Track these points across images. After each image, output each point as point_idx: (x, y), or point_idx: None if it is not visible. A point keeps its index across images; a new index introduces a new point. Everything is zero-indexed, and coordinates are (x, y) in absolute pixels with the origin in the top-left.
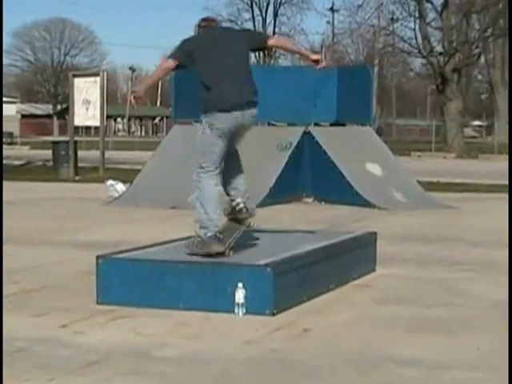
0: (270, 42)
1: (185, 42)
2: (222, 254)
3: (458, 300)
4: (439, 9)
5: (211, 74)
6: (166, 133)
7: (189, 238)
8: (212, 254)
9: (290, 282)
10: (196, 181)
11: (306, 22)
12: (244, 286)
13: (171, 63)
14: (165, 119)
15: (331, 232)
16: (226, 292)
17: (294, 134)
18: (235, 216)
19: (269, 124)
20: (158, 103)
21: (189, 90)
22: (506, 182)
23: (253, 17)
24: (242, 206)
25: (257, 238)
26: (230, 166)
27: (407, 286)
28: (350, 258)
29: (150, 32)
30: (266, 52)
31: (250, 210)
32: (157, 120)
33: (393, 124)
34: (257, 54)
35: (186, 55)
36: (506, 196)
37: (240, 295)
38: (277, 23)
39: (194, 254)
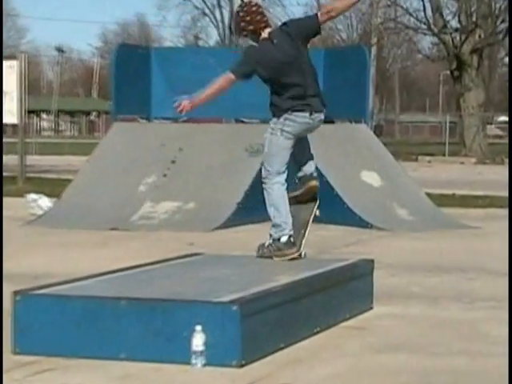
0: (322, 19)
1: (246, 56)
2: (296, 258)
3: (480, 347)
4: None
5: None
6: (105, 132)
7: (135, 267)
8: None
9: (263, 325)
10: (265, 185)
11: None
12: (203, 330)
13: (233, 77)
14: (103, 115)
15: (316, 259)
16: (180, 337)
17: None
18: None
19: (237, 121)
20: (95, 94)
21: (133, 79)
22: None
23: None
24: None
25: (221, 268)
26: (299, 152)
27: (413, 329)
28: (341, 293)
29: (82, 3)
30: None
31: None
32: (92, 116)
33: (396, 121)
34: (222, 30)
35: (249, 69)
36: None
37: (198, 341)
38: None
39: (266, 257)
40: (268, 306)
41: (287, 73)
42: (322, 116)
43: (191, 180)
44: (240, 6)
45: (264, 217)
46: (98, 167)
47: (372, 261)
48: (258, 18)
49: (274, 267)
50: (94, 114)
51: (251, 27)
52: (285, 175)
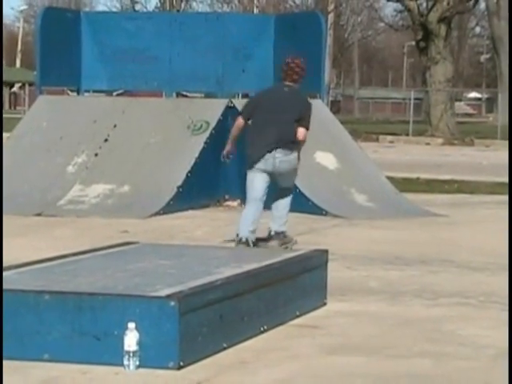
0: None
1: (250, 100)
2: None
3: (445, 348)
4: None
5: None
6: (29, 106)
7: (61, 257)
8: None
9: (204, 323)
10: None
11: None
12: (137, 328)
13: (241, 121)
14: (27, 86)
15: (263, 250)
16: (111, 336)
17: (213, 110)
18: None
19: (178, 95)
20: (18, 64)
21: (60, 47)
22: None
23: None
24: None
25: (157, 259)
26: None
27: (372, 328)
28: (290, 288)
29: None
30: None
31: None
32: (15, 88)
33: (354, 96)
34: None
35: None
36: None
37: (131, 341)
38: None
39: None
40: (209, 302)
41: None
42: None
43: (126, 160)
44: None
45: (206, 201)
46: (21, 145)
47: (326, 251)
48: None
49: (216, 258)
50: (18, 85)
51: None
52: None
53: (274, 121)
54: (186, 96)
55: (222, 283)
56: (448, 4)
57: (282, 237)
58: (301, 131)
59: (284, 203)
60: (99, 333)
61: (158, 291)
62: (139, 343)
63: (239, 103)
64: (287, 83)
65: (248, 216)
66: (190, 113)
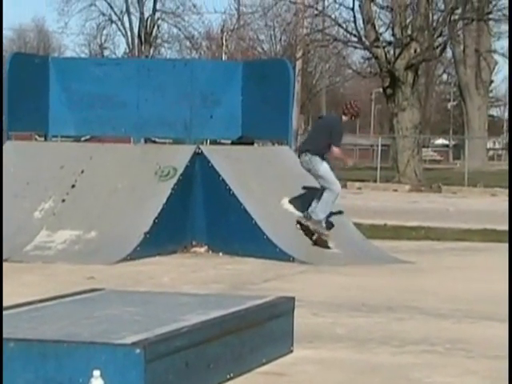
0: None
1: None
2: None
3: None
4: None
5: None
6: None
7: (26, 304)
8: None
9: (170, 370)
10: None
11: None
12: (102, 376)
13: None
14: None
15: (230, 297)
16: (75, 383)
17: (181, 156)
18: None
19: (146, 141)
20: None
21: (28, 92)
22: (482, 227)
23: None
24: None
25: (123, 306)
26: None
27: (339, 375)
28: (257, 335)
29: None
30: (144, 34)
31: None
32: None
33: None
34: (130, 40)
35: None
36: (482, 246)
37: None
38: None
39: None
40: (175, 349)
41: None
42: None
43: (93, 206)
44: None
45: (174, 247)
46: None
47: (293, 298)
48: None
49: (182, 305)
50: None
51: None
52: None
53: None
54: (154, 142)
55: (188, 330)
56: (415, 51)
57: (317, 223)
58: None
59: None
60: (64, 380)
61: (123, 338)
62: None
63: (207, 149)
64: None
65: None
66: (157, 159)
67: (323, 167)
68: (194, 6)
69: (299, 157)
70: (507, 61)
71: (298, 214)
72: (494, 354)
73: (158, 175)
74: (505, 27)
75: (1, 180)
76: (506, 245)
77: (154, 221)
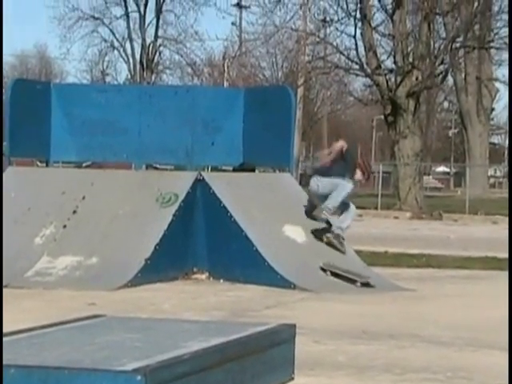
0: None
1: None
2: None
3: None
4: (390, 8)
5: None
6: None
7: (27, 330)
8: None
9: None
10: None
11: (202, 23)
12: None
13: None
14: None
15: (231, 324)
16: None
17: (182, 182)
18: None
19: (148, 167)
20: None
21: (30, 118)
22: (483, 254)
23: (127, 14)
24: None
25: (124, 332)
26: None
27: None
28: (258, 362)
29: None
30: (146, 60)
31: None
32: None
33: None
34: (132, 66)
35: None
36: (483, 274)
37: None
38: (160, 23)
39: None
40: (176, 376)
41: None
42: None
43: (94, 232)
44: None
45: (175, 274)
46: None
47: (294, 325)
48: None
49: (183, 332)
50: None
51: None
52: None
53: None
54: (155, 168)
55: (190, 357)
56: (416, 79)
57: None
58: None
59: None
60: None
61: (124, 365)
62: None
63: (208, 176)
64: None
65: None
66: (158, 185)
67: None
68: (196, 32)
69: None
70: (507, 87)
71: (300, 240)
72: (495, 383)
73: (160, 201)
74: (505, 55)
75: (1, 206)
76: (507, 272)
77: (155, 247)
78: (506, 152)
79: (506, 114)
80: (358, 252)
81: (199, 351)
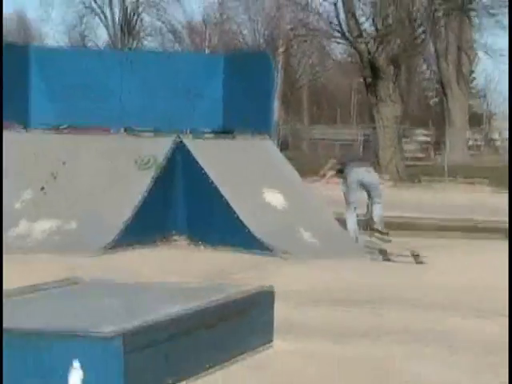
0: None
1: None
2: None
3: None
4: None
5: None
6: None
7: (7, 294)
8: None
9: (149, 361)
10: None
11: None
12: (82, 367)
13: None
14: None
15: (211, 288)
16: (56, 375)
17: (161, 147)
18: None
19: (126, 131)
20: None
21: (8, 82)
22: (462, 219)
23: None
24: None
25: (103, 297)
26: None
27: (317, 368)
28: (236, 326)
29: None
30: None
31: None
32: None
33: (304, 134)
34: (112, 31)
35: None
36: (463, 240)
37: (76, 379)
38: None
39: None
40: (155, 340)
41: None
42: None
43: (73, 197)
44: None
45: (154, 238)
46: None
47: (273, 290)
48: None
49: (162, 296)
50: None
51: None
52: None
53: None
54: (134, 132)
55: (168, 322)
56: (398, 46)
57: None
58: None
59: None
60: (44, 372)
61: (103, 330)
62: (84, 382)
63: (188, 141)
64: None
65: None
66: (137, 149)
67: None
68: None
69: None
70: (489, 55)
71: (279, 206)
72: (474, 346)
73: (138, 164)
74: (486, 21)
75: (1, 175)
76: (485, 240)
77: (134, 211)
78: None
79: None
80: (337, 218)
81: (178, 315)
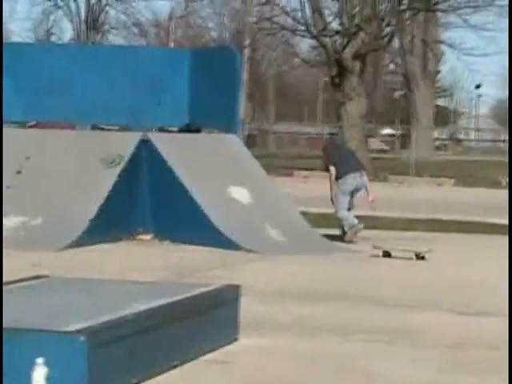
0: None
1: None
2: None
3: None
4: None
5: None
6: None
7: None
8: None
9: (114, 358)
10: None
11: None
12: (46, 363)
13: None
14: None
15: (176, 284)
16: (20, 372)
17: (127, 143)
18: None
19: (93, 128)
20: None
21: None
22: (428, 216)
23: None
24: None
25: (68, 293)
26: None
27: (283, 364)
28: (202, 323)
29: None
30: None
31: None
32: None
33: (270, 131)
34: (77, 25)
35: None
36: (428, 236)
37: (39, 376)
38: None
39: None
40: (120, 337)
41: None
42: None
43: (39, 193)
44: None
45: (119, 235)
46: None
47: (238, 286)
48: None
49: (127, 293)
50: None
51: None
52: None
53: None
54: (101, 128)
55: (133, 318)
56: (362, 41)
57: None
58: None
59: None
60: (9, 368)
61: (67, 326)
62: (48, 379)
63: (154, 137)
64: None
65: None
66: (103, 146)
67: None
68: None
69: (359, 176)
70: (454, 51)
71: (245, 202)
72: (439, 344)
73: (104, 162)
74: (452, 18)
75: (1, 176)
76: (452, 234)
77: (100, 208)
78: (452, 115)
79: (451, 77)
80: (304, 214)
81: (143, 312)
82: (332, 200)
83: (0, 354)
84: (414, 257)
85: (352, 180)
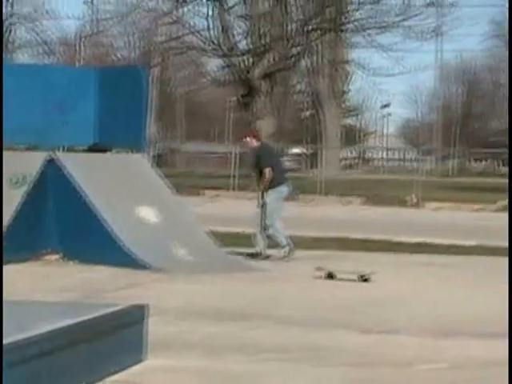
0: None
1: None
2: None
3: None
4: None
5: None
6: None
7: None
8: None
9: (18, 379)
10: None
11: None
12: None
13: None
14: None
15: (80, 305)
16: None
17: (33, 163)
18: None
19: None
20: None
21: None
22: (336, 235)
23: None
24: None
25: None
26: None
27: None
28: (107, 344)
29: None
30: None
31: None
32: None
33: (179, 150)
34: None
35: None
36: (336, 254)
37: None
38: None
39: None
40: (24, 359)
41: None
42: None
43: None
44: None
45: (25, 255)
46: None
47: (144, 306)
48: None
49: (32, 314)
50: None
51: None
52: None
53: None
54: (14, 149)
55: (37, 340)
56: (270, 61)
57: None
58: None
59: None
60: None
61: None
62: None
63: (60, 156)
64: None
65: None
66: (9, 166)
67: None
68: (48, 12)
69: (287, 186)
70: (362, 71)
71: (153, 221)
72: (346, 362)
73: (9, 183)
74: (359, 38)
75: (1, 177)
76: (359, 253)
77: (5, 229)
78: (361, 134)
79: (359, 96)
80: (213, 233)
81: (47, 333)
82: (262, 206)
83: (0, 354)
84: (358, 279)
85: (287, 189)
